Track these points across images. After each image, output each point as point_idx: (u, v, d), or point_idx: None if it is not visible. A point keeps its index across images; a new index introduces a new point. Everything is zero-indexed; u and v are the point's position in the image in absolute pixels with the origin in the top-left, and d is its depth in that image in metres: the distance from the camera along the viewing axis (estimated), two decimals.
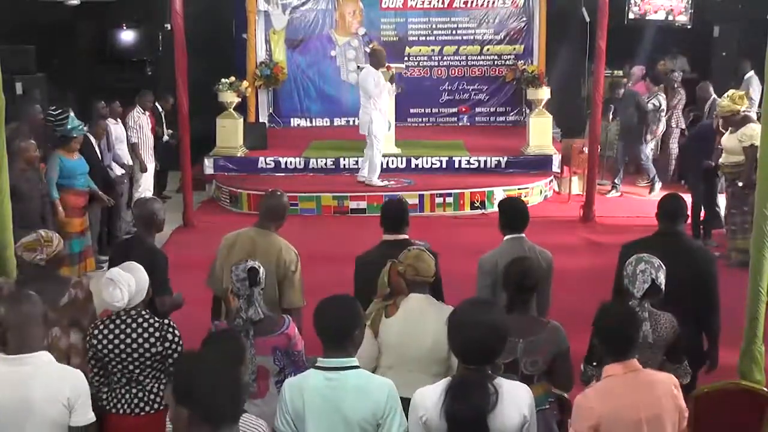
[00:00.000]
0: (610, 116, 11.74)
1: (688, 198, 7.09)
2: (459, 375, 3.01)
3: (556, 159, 11.26)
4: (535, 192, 10.89)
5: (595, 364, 3.74)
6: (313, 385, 3.13)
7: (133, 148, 9.71)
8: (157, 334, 3.87)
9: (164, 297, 4.72)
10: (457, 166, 11.26)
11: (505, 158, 11.26)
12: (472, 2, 13.22)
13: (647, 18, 13.31)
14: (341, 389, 3.11)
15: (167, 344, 3.87)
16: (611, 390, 3.19)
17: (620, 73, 13.11)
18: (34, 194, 6.93)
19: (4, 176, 4.63)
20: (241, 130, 11.71)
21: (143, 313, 3.93)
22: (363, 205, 10.22)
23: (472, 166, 11.25)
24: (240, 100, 11.78)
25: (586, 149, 10.57)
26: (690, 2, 13.15)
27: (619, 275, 4.13)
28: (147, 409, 3.88)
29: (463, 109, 13.51)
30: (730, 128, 8.15)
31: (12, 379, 3.17)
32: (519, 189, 10.63)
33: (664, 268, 3.85)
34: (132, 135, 9.75)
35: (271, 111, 13.36)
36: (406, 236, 4.72)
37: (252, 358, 3.86)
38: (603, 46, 9.57)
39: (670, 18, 13.32)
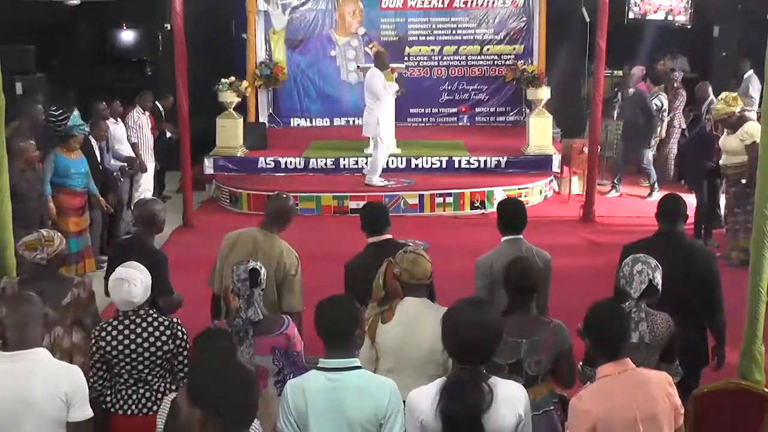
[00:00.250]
0: (615, 114, 11.73)
1: (687, 198, 7.08)
2: (454, 375, 3.00)
3: (556, 159, 11.27)
4: (535, 192, 10.90)
5: (590, 366, 3.74)
6: (316, 386, 3.13)
7: (133, 148, 9.71)
8: (168, 333, 3.89)
9: (168, 297, 4.73)
10: (457, 166, 11.27)
11: (505, 158, 11.27)
12: (472, 2, 13.21)
13: (647, 18, 13.31)
14: (344, 390, 3.11)
15: (178, 342, 3.90)
16: (606, 391, 3.18)
17: (620, 73, 13.12)
18: (33, 194, 6.93)
19: (4, 176, 4.64)
20: (241, 130, 11.72)
21: (151, 312, 3.95)
22: (363, 205, 10.21)
23: (472, 166, 11.26)
24: (240, 100, 11.79)
25: (586, 149, 10.57)
26: (690, 2, 13.15)
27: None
28: (155, 408, 3.86)
29: (463, 109, 13.50)
30: (727, 130, 8.15)
31: (10, 376, 3.17)
32: (519, 189, 10.64)
33: (660, 268, 3.85)
34: (132, 135, 9.75)
35: (271, 111, 13.36)
36: (390, 236, 4.72)
37: (251, 357, 3.86)
38: (603, 45, 9.57)
39: (670, 18, 13.32)
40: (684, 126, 11.66)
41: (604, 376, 3.21)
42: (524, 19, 13.23)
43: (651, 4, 13.28)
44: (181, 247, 8.58)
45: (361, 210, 5.15)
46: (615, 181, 11.43)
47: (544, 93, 11.56)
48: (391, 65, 10.99)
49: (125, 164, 9.27)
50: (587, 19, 12.07)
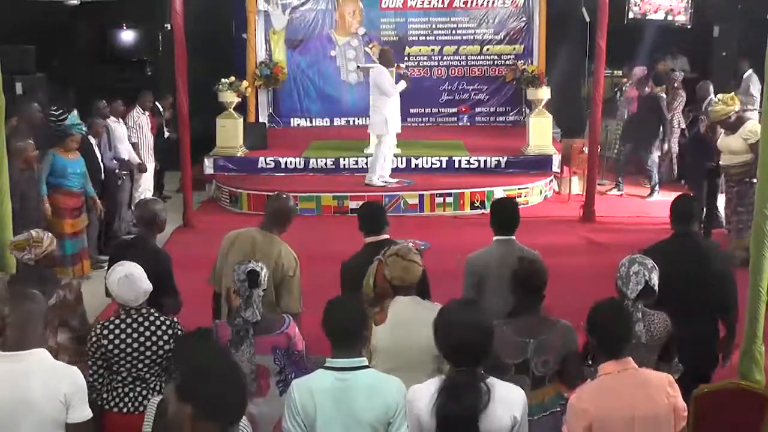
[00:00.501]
0: (626, 112, 11.69)
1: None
2: (451, 377, 3.00)
3: (556, 159, 11.26)
4: (535, 192, 10.89)
5: (590, 362, 3.75)
6: (324, 386, 3.13)
7: (133, 148, 9.71)
8: (170, 332, 3.93)
9: (174, 297, 4.72)
10: (457, 166, 11.26)
11: (505, 158, 11.26)
12: (472, 2, 13.20)
13: (647, 18, 13.30)
14: (353, 389, 3.11)
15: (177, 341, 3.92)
16: (605, 389, 3.19)
17: (620, 73, 13.11)
18: (33, 194, 6.93)
19: (4, 176, 4.64)
20: (241, 130, 11.71)
21: (152, 311, 3.97)
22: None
23: (472, 166, 11.25)
24: (240, 100, 11.78)
25: (586, 149, 10.56)
26: (690, 2, 13.13)
27: None
28: None
29: (463, 109, 13.49)
30: (725, 131, 8.14)
31: (9, 376, 3.17)
32: (519, 189, 10.64)
33: (657, 269, 3.87)
34: (132, 135, 9.75)
35: (271, 111, 13.35)
36: (387, 236, 4.72)
37: (252, 357, 3.87)
38: (603, 45, 9.57)
39: (670, 18, 13.31)
40: (683, 126, 11.65)
41: (604, 374, 3.22)
42: (524, 19, 13.22)
43: (651, 4, 13.27)
44: (181, 247, 8.56)
45: (359, 210, 5.15)
46: (619, 179, 11.41)
47: (544, 93, 11.55)
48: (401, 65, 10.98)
49: (121, 166, 9.28)
50: (587, 19, 12.06)
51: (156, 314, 3.97)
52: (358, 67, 12.68)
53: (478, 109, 13.49)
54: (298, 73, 13.34)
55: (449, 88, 13.46)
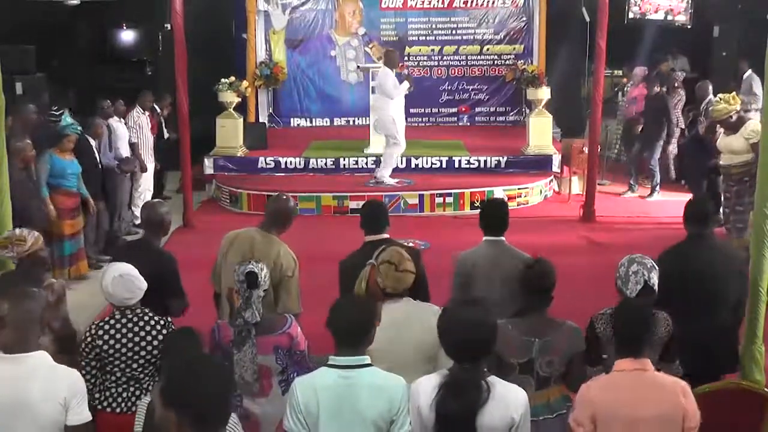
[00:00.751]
0: (628, 112, 11.67)
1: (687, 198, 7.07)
2: (454, 373, 3.01)
3: (556, 159, 11.26)
4: (535, 192, 10.89)
5: (603, 360, 3.75)
6: (327, 384, 3.12)
7: (132, 148, 9.71)
8: (164, 332, 3.92)
9: (180, 299, 4.70)
10: (457, 165, 11.26)
11: (505, 158, 11.26)
12: (472, 2, 13.21)
13: (647, 18, 13.30)
14: (357, 387, 3.11)
15: None
16: (614, 384, 3.22)
17: (620, 72, 13.11)
18: (33, 194, 6.92)
19: (4, 176, 4.63)
20: (241, 130, 11.71)
21: (147, 311, 3.96)
22: (363, 203, 10.19)
23: (472, 166, 11.25)
24: (240, 100, 11.78)
25: (586, 149, 10.56)
26: (690, 2, 13.14)
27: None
28: None
29: (463, 109, 13.50)
30: (725, 131, 8.13)
31: (9, 378, 3.16)
32: (519, 189, 10.65)
33: (657, 269, 3.87)
34: (132, 135, 9.75)
35: (271, 111, 13.35)
36: (387, 236, 4.71)
37: (254, 357, 3.87)
38: (603, 45, 9.56)
39: (670, 18, 13.31)
40: (683, 126, 11.64)
41: (618, 370, 3.24)
42: (524, 19, 13.22)
43: (651, 4, 13.27)
44: (181, 247, 8.52)
45: (361, 208, 5.15)
46: (631, 181, 11.39)
47: (544, 93, 11.55)
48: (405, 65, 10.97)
49: (120, 164, 9.25)
50: (587, 19, 12.06)
51: (150, 314, 3.95)
52: (359, 67, 12.68)
53: (478, 109, 13.49)
54: (298, 73, 13.34)
55: (449, 88, 13.46)
